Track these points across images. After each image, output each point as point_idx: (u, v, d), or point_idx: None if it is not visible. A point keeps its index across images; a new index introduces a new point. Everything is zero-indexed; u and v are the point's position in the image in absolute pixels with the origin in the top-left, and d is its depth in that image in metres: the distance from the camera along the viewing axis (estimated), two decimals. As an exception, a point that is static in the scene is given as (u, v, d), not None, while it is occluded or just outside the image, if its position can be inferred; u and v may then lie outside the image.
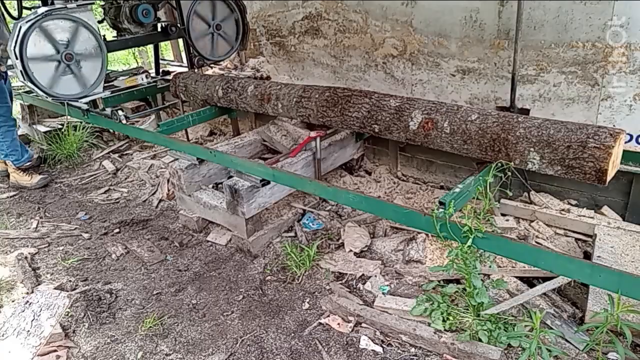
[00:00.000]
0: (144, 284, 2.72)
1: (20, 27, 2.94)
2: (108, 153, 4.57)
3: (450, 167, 3.28)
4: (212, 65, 4.34)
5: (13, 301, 2.59)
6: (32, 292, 2.62)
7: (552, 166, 2.08)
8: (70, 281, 2.74)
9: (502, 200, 2.75)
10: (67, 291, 2.58)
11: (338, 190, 2.32)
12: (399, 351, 2.09)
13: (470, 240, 1.87)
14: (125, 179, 4.09)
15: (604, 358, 1.89)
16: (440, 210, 1.96)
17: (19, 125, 5.16)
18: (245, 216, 2.78)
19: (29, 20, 2.98)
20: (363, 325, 2.24)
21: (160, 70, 4.54)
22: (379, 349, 2.10)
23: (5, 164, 3.97)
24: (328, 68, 4.05)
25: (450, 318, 2.11)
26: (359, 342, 2.14)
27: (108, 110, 3.58)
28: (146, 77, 4.09)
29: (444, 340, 2.01)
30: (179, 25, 3.89)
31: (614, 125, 2.64)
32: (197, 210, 3.18)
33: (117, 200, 3.74)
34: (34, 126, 4.72)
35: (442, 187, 3.32)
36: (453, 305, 2.18)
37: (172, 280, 2.74)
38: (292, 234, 3.01)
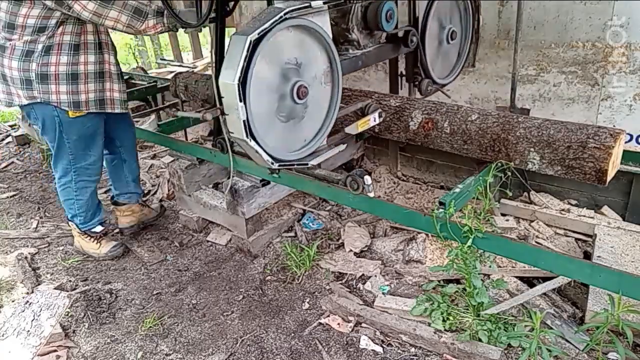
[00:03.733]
0: (144, 284, 2.72)
1: (249, 41, 1.64)
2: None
3: (450, 167, 3.28)
4: (442, 90, 2.90)
5: (13, 301, 2.59)
6: (32, 292, 2.62)
7: (552, 166, 2.08)
8: (70, 281, 2.75)
9: (502, 200, 2.75)
10: (67, 291, 2.59)
11: (338, 190, 2.32)
12: (399, 351, 2.09)
13: (470, 240, 1.87)
14: (125, 179, 4.09)
15: (604, 358, 1.89)
16: (440, 210, 1.96)
17: (19, 126, 5.17)
18: (245, 216, 2.78)
19: (262, 30, 1.67)
20: (363, 325, 2.24)
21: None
22: (379, 349, 2.10)
23: (68, 224, 3.00)
24: (328, 68, 4.05)
25: (450, 318, 2.11)
26: (359, 342, 2.14)
27: (334, 175, 2.21)
28: (379, 116, 2.34)
29: (444, 340, 2.01)
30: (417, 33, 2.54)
31: (614, 125, 2.64)
32: (197, 210, 3.18)
33: (117, 200, 3.73)
34: (34, 126, 4.71)
35: (442, 187, 3.32)
36: (453, 305, 2.18)
37: (172, 280, 2.74)
38: (292, 234, 3.01)
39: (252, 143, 1.79)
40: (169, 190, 3.66)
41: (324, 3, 1.93)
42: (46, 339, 2.16)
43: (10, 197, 3.89)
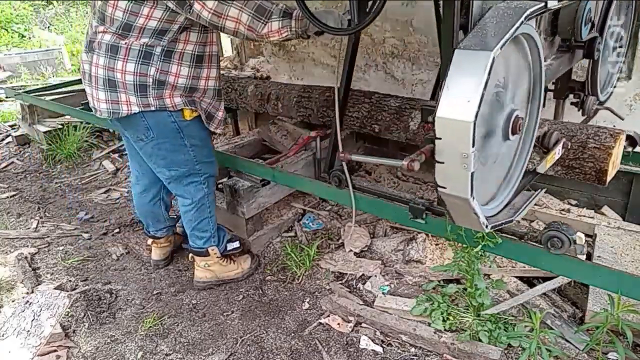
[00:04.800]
0: (144, 284, 2.72)
1: (492, 59, 1.17)
2: (108, 153, 4.57)
3: (451, 167, 3.27)
4: (609, 108, 2.45)
5: (13, 301, 2.59)
6: (32, 292, 2.62)
7: (552, 166, 2.08)
8: (70, 281, 2.75)
9: (502, 200, 2.74)
10: (67, 291, 2.59)
11: (338, 191, 2.32)
12: (399, 351, 2.09)
13: (480, 246, 1.85)
14: (125, 179, 4.10)
15: (604, 358, 1.89)
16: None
17: (19, 126, 5.18)
18: (245, 216, 2.78)
19: (505, 42, 1.20)
20: (363, 325, 2.24)
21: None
22: (379, 348, 2.10)
23: (201, 255, 2.57)
24: (328, 68, 4.05)
25: (451, 318, 2.11)
26: (359, 342, 2.14)
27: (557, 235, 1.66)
28: (563, 146, 1.82)
29: (444, 340, 2.01)
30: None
31: (614, 126, 2.64)
32: (197, 210, 3.17)
33: (117, 200, 3.74)
34: (34, 126, 4.72)
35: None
36: (453, 305, 2.18)
37: (172, 280, 2.74)
38: (292, 234, 3.01)
39: (474, 203, 1.31)
40: (169, 190, 3.66)
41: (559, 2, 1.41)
42: (46, 339, 2.16)
43: (10, 197, 3.89)
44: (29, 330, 2.17)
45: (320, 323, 2.29)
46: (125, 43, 2.03)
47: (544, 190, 1.77)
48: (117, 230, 3.30)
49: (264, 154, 3.75)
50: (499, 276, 2.30)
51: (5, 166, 4.52)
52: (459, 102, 1.19)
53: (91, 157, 4.54)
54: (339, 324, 2.26)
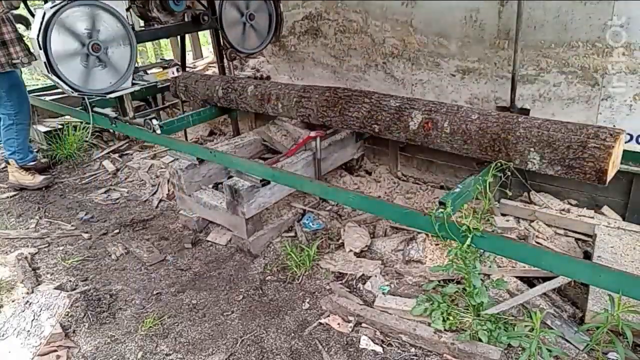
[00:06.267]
0: (144, 284, 2.72)
1: (45, 13, 2.62)
2: (108, 153, 4.57)
3: (450, 167, 3.28)
4: (245, 58, 4.24)
5: (13, 301, 2.59)
6: (32, 292, 2.62)
7: (552, 166, 2.08)
8: (70, 281, 2.75)
9: (502, 200, 2.75)
10: (67, 291, 2.58)
11: (338, 190, 2.32)
12: (399, 351, 2.09)
13: (468, 239, 1.86)
14: (125, 179, 4.10)
15: (604, 358, 1.89)
16: (440, 210, 1.96)
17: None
18: (245, 216, 2.78)
19: (54, 6, 2.64)
20: (363, 325, 2.24)
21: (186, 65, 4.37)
22: (379, 349, 2.10)
23: (8, 163, 3.94)
24: (328, 68, 4.05)
25: (451, 318, 2.11)
26: (359, 342, 2.14)
27: (140, 119, 3.28)
28: (177, 70, 3.72)
29: (444, 340, 2.01)
30: (209, 14, 3.62)
31: (614, 125, 2.64)
32: (197, 210, 3.18)
33: (117, 200, 3.74)
34: (34, 126, 4.71)
35: (442, 187, 3.32)
36: (453, 305, 2.18)
37: (172, 280, 2.74)
38: (292, 234, 3.01)
39: (54, 77, 2.78)
40: (169, 190, 3.66)
41: None
42: (46, 339, 2.16)
43: (10, 197, 3.89)
44: (29, 330, 2.17)
45: (320, 323, 2.29)
46: None
47: (135, 88, 3.30)
48: (117, 230, 3.30)
49: (264, 154, 3.75)
50: (499, 276, 2.30)
51: (5, 166, 4.51)
52: (36, 28, 2.70)
53: (91, 157, 4.54)
54: (339, 324, 2.26)
